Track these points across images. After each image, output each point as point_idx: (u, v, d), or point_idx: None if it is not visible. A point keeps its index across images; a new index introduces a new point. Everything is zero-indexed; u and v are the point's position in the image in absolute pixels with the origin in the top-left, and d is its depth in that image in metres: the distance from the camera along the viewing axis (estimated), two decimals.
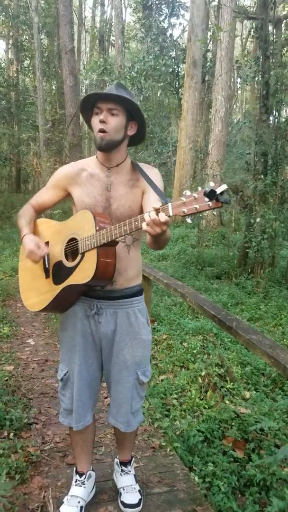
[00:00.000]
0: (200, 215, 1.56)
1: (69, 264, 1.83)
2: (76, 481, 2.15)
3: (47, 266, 1.92)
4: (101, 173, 1.91)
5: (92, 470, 2.24)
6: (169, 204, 1.48)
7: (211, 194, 1.38)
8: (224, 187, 1.38)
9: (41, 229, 2.03)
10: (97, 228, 1.72)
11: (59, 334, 2.08)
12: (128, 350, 1.95)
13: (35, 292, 1.97)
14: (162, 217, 1.48)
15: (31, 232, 1.97)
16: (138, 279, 2.02)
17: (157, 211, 1.50)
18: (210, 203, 1.40)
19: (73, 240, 1.84)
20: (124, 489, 2.15)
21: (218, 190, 1.38)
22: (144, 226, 1.52)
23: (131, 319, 1.95)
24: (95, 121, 1.81)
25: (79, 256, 1.78)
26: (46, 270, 1.93)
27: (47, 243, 1.94)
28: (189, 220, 1.47)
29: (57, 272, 1.88)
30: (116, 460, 2.27)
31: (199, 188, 1.44)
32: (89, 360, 1.98)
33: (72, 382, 1.98)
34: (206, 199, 1.40)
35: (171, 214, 1.48)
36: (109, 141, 1.80)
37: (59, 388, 2.07)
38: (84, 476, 2.15)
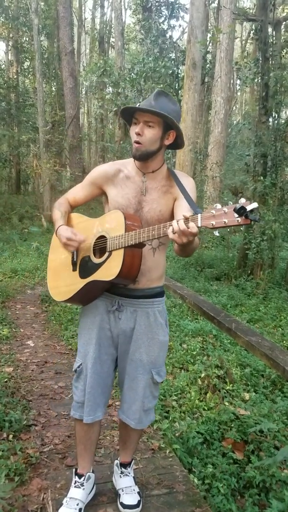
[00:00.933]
0: (228, 229, 1.61)
1: (96, 260, 1.89)
2: (75, 482, 2.15)
3: (75, 260, 1.99)
4: (136, 176, 1.96)
5: (92, 471, 2.24)
6: (199, 215, 1.51)
7: (241, 211, 1.41)
8: (254, 205, 1.41)
9: (74, 223, 2.10)
10: (127, 229, 1.78)
11: (79, 327, 2.11)
12: (145, 349, 1.99)
13: (62, 283, 2.04)
14: (193, 228, 1.51)
15: (65, 222, 2.02)
16: (161, 281, 2.07)
17: (186, 220, 1.53)
18: (239, 219, 1.42)
19: (102, 238, 1.89)
20: (123, 490, 2.15)
21: (249, 208, 1.41)
22: (171, 233, 1.56)
23: (150, 319, 2.00)
24: (132, 131, 1.86)
25: (107, 254, 1.84)
26: (74, 263, 2.00)
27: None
28: (216, 233, 1.50)
29: (84, 266, 1.95)
30: (116, 461, 2.28)
31: (230, 203, 1.47)
32: (104, 356, 2.01)
33: (85, 375, 2.02)
34: (236, 215, 1.42)
35: (199, 225, 1.51)
36: (143, 152, 1.85)
37: (73, 380, 2.11)
38: (83, 477, 2.15)
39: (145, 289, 1.98)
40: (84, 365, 2.02)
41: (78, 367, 2.04)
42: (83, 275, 1.94)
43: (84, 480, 2.15)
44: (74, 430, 2.26)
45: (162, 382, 2.12)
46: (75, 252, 1.99)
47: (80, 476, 2.15)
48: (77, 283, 1.94)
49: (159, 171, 1.96)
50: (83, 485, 2.14)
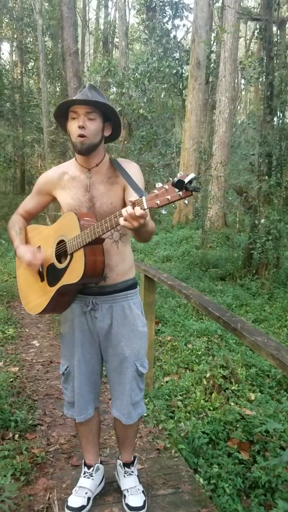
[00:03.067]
0: (173, 205, 1.61)
1: (60, 265, 1.90)
2: (84, 473, 2.21)
3: (40, 270, 1.99)
4: (81, 174, 1.96)
5: (101, 463, 2.28)
6: (143, 197, 1.52)
7: (179, 184, 1.42)
8: (191, 176, 1.42)
9: (31, 236, 2.10)
10: (82, 228, 1.77)
11: (59, 332, 2.15)
12: (126, 342, 2.00)
13: (33, 296, 2.04)
14: (137, 211, 1.52)
15: (22, 242, 2.03)
16: (131, 273, 2.06)
17: (133, 205, 1.54)
18: (180, 193, 1.44)
19: (61, 242, 1.90)
20: (128, 491, 2.15)
21: (186, 180, 1.42)
22: (122, 221, 1.57)
23: (126, 311, 2.01)
24: (73, 125, 1.84)
25: (69, 257, 1.84)
26: (40, 274, 2.00)
27: (39, 248, 2.01)
28: (163, 211, 1.53)
29: (51, 275, 1.95)
30: (119, 462, 2.27)
31: (170, 179, 1.47)
32: (88, 356, 2.04)
33: (72, 377, 2.06)
34: (176, 190, 1.44)
35: (146, 207, 1.52)
36: (89, 145, 1.85)
37: (62, 382, 2.15)
38: (92, 468, 2.20)
39: (116, 284, 1.98)
40: (71, 367, 2.06)
41: (65, 369, 2.08)
42: (51, 283, 1.93)
43: (92, 470, 2.20)
44: (75, 428, 2.30)
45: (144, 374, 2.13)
46: (34, 253, 1.98)
47: (89, 467, 2.21)
48: (48, 292, 1.94)
49: (102, 163, 1.95)
50: (92, 476, 2.19)
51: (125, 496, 2.15)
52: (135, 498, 2.11)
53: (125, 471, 2.22)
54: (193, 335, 4.94)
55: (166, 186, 1.47)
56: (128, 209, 1.54)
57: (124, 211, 1.55)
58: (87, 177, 1.94)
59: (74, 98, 1.82)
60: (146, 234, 1.72)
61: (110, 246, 1.93)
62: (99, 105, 1.83)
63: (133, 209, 1.53)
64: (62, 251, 1.90)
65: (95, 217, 1.85)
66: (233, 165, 13.07)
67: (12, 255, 10.27)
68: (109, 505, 2.17)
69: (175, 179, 1.43)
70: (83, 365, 2.03)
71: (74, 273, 1.81)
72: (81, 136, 1.81)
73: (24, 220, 2.15)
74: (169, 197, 1.46)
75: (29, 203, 2.13)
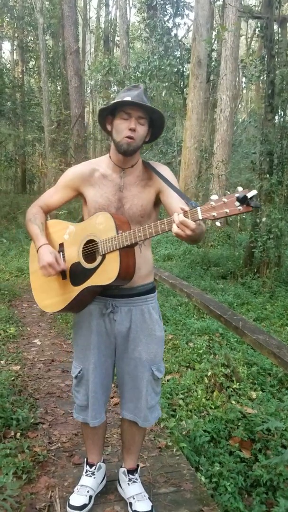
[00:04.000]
0: (230, 218, 1.63)
1: (88, 265, 1.85)
2: (86, 471, 2.20)
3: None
4: (113, 173, 1.93)
5: (103, 461, 2.27)
6: (198, 208, 1.51)
7: (243, 199, 1.42)
8: (254, 192, 1.42)
9: (52, 231, 2.03)
10: (118, 230, 1.74)
11: (73, 333, 2.10)
12: (143, 347, 1.98)
13: (51, 293, 1.99)
14: (191, 224, 1.51)
15: (46, 240, 1.96)
16: (151, 276, 2.05)
17: (185, 213, 1.53)
18: (240, 207, 1.43)
19: (91, 242, 1.85)
20: (134, 498, 2.11)
21: (249, 195, 1.41)
22: (175, 228, 1.55)
23: (145, 316, 1.98)
24: (123, 125, 1.81)
25: (99, 258, 1.80)
26: (62, 272, 1.94)
27: (61, 245, 1.96)
28: (218, 224, 1.52)
29: (75, 274, 1.90)
30: (123, 469, 2.22)
31: (228, 193, 1.47)
32: (103, 358, 2.01)
33: (86, 380, 2.02)
34: (237, 204, 1.43)
35: (200, 218, 1.51)
36: (134, 148, 1.84)
37: (73, 385, 2.10)
38: (94, 467, 2.20)
39: (138, 286, 1.96)
40: (85, 370, 2.02)
41: (79, 372, 2.04)
42: (75, 282, 1.89)
43: (95, 469, 2.19)
44: (80, 428, 2.28)
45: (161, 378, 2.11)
46: (57, 258, 1.92)
47: (91, 466, 2.20)
48: (71, 291, 1.90)
49: (137, 165, 1.94)
50: (94, 474, 2.18)
51: (131, 504, 2.10)
52: (142, 504, 2.07)
53: (129, 478, 2.17)
54: (194, 333, 4.94)
55: (225, 199, 1.46)
56: (181, 217, 1.53)
57: (176, 219, 1.54)
58: (120, 177, 1.92)
59: (128, 98, 1.77)
60: (199, 238, 1.68)
61: (135, 248, 1.88)
62: (155, 113, 1.83)
63: (187, 218, 1.52)
64: (91, 251, 1.86)
65: (127, 220, 1.83)
66: (234, 163, 13.06)
67: (13, 253, 10.28)
68: (110, 503, 2.17)
69: (239, 194, 1.43)
70: (98, 368, 2.00)
71: (106, 275, 1.78)
72: (130, 138, 1.80)
73: (44, 213, 2.06)
74: (227, 210, 1.46)
75: (52, 196, 2.05)
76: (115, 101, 1.80)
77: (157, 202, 1.96)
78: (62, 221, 2.06)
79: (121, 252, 1.74)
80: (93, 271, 1.83)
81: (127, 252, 1.77)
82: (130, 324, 1.97)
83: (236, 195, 1.44)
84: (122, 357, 2.01)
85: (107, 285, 1.79)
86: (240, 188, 1.45)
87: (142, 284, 1.98)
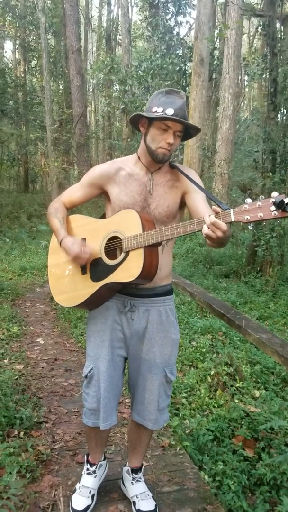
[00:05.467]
0: (264, 223, 1.65)
1: (110, 261, 1.84)
2: (87, 469, 2.19)
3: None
4: (141, 172, 1.93)
5: (104, 459, 2.26)
6: (231, 210, 1.51)
7: (280, 204, 1.41)
8: None
9: (74, 226, 2.04)
10: (144, 228, 1.74)
11: (87, 330, 2.07)
12: (158, 348, 1.97)
13: (69, 288, 1.98)
14: (223, 225, 1.51)
15: (67, 233, 1.97)
16: (170, 278, 2.05)
17: (217, 215, 1.53)
18: (276, 212, 1.43)
19: (114, 239, 1.85)
20: (137, 497, 2.11)
21: (286, 200, 1.40)
22: (205, 229, 1.55)
23: (162, 317, 1.98)
24: (161, 136, 1.81)
25: (123, 255, 1.80)
26: (83, 267, 1.94)
27: (83, 240, 1.95)
28: (250, 227, 1.52)
29: (96, 269, 1.89)
30: (127, 468, 2.22)
31: (262, 197, 1.47)
32: (117, 358, 1.99)
33: (97, 380, 1.97)
34: (273, 208, 1.43)
35: (232, 220, 1.51)
36: (169, 157, 1.86)
37: (83, 387, 2.07)
38: (95, 466, 2.19)
39: (156, 287, 1.96)
40: (96, 369, 1.97)
41: (89, 371, 1.99)
42: (96, 278, 1.88)
43: (96, 468, 2.19)
44: (84, 427, 2.27)
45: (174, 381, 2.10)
46: (81, 247, 1.92)
47: (92, 465, 2.19)
48: (90, 286, 1.89)
49: (164, 166, 1.95)
50: (95, 473, 2.18)
51: (134, 503, 2.10)
52: (146, 503, 2.07)
53: (133, 477, 2.17)
54: (197, 332, 4.94)
55: (260, 203, 1.46)
56: (212, 218, 1.53)
57: (207, 220, 1.54)
58: (149, 178, 1.92)
59: (171, 110, 1.75)
60: (226, 241, 1.68)
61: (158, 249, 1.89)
62: (193, 129, 1.86)
63: (219, 219, 1.52)
64: (113, 248, 1.86)
65: (152, 219, 1.84)
66: (236, 162, 13.03)
67: (16, 253, 10.30)
68: (114, 502, 2.17)
69: (276, 199, 1.42)
70: (112, 367, 1.96)
71: (128, 272, 1.77)
72: (167, 150, 1.82)
73: (66, 209, 2.07)
74: (261, 214, 1.46)
75: (76, 193, 2.06)
76: (161, 114, 1.76)
77: (182, 204, 1.97)
78: (84, 216, 2.07)
79: (145, 251, 1.74)
80: (115, 267, 1.82)
81: (151, 251, 1.76)
82: (147, 324, 1.96)
83: (272, 200, 1.43)
84: (136, 357, 2.00)
85: (128, 282, 1.78)
86: (275, 194, 1.43)
87: (162, 285, 1.98)
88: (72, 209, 2.10)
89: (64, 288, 2.01)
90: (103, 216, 2.06)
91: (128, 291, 1.93)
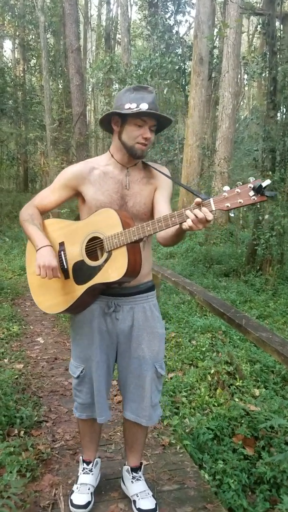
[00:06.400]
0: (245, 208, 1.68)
1: (93, 263, 1.83)
2: (83, 469, 2.21)
3: (65, 267, 1.91)
4: (116, 171, 1.93)
5: (98, 457, 2.29)
6: (211, 199, 1.53)
7: (258, 189, 1.43)
8: (268, 181, 1.44)
9: (50, 230, 2.00)
10: (124, 226, 1.74)
11: (72, 333, 2.08)
12: (146, 344, 1.98)
13: (53, 294, 1.95)
14: (209, 215, 1.53)
15: (47, 241, 1.91)
16: (150, 274, 2.07)
17: (198, 206, 1.54)
18: (255, 197, 1.45)
19: (94, 239, 1.84)
20: (138, 496, 2.11)
21: (264, 184, 1.43)
22: (189, 222, 1.56)
23: (147, 313, 1.99)
24: (137, 132, 1.82)
25: (105, 255, 1.78)
26: (65, 271, 1.91)
27: (61, 244, 1.94)
28: (231, 214, 1.55)
29: (79, 272, 1.88)
30: (127, 467, 2.22)
31: (240, 183, 1.49)
32: (105, 357, 2.00)
33: (89, 379, 2.01)
34: (251, 193, 1.45)
35: (213, 209, 1.53)
36: (146, 152, 1.88)
37: (74, 385, 2.09)
38: (91, 464, 2.21)
39: (139, 285, 1.97)
40: (87, 369, 2.01)
41: (81, 372, 2.02)
42: (80, 281, 1.86)
43: (92, 466, 2.21)
44: (77, 426, 2.29)
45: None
46: (64, 260, 1.90)
47: (88, 463, 2.21)
48: (75, 290, 1.87)
49: (139, 162, 1.96)
50: (91, 471, 2.20)
51: (135, 501, 2.10)
52: (146, 502, 2.08)
53: (133, 476, 2.18)
54: (197, 331, 4.94)
55: (238, 190, 1.47)
56: (196, 211, 1.54)
57: (189, 213, 1.55)
58: (126, 175, 1.93)
59: (145, 105, 1.77)
60: (184, 236, 1.71)
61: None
62: (166, 122, 1.89)
63: (201, 210, 1.53)
64: (93, 249, 1.85)
65: (131, 216, 1.84)
66: (236, 160, 13.02)
67: (16, 252, 10.28)
68: (114, 501, 2.17)
69: (254, 184, 1.44)
70: (101, 367, 1.99)
71: (113, 271, 1.76)
72: (144, 145, 1.84)
73: (39, 213, 2.02)
74: (241, 200, 1.47)
75: (48, 196, 2.01)
76: (137, 109, 1.77)
77: None
78: (60, 220, 2.03)
79: (128, 248, 1.73)
80: (99, 268, 1.81)
81: (134, 248, 1.76)
82: (133, 322, 1.97)
83: (250, 185, 1.45)
84: (125, 356, 2.01)
85: (114, 282, 1.77)
86: (252, 178, 1.45)
87: (144, 282, 1.99)
88: (43, 214, 2.05)
89: (48, 296, 1.97)
90: (77, 218, 2.04)
91: (112, 291, 1.93)
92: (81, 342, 2.02)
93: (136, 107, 1.77)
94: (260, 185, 1.42)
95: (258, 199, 1.44)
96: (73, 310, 1.97)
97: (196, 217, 1.54)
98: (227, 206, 1.49)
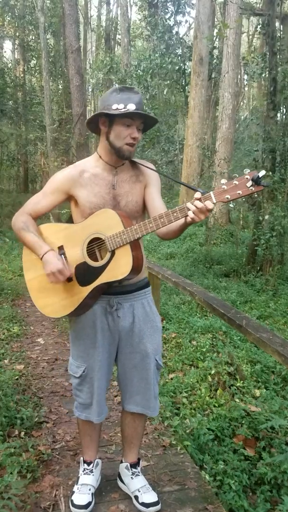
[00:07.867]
0: (243, 199, 1.75)
1: (97, 264, 1.85)
2: (84, 470, 2.21)
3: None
4: (104, 172, 1.95)
5: (99, 458, 2.29)
6: (211, 192, 1.61)
7: (256, 179, 1.53)
8: (263, 172, 1.54)
9: (47, 235, 1.98)
10: (124, 224, 1.77)
11: (73, 333, 2.08)
12: (148, 339, 2.02)
13: (56, 298, 1.95)
14: (209, 204, 1.61)
15: (49, 247, 1.92)
16: (146, 271, 2.13)
17: (200, 199, 1.62)
18: (253, 188, 1.54)
19: (94, 241, 1.86)
20: (139, 491, 2.12)
21: (261, 175, 1.53)
22: (191, 214, 1.63)
23: (146, 308, 2.04)
24: (125, 132, 1.84)
25: (108, 254, 1.81)
26: None
27: (60, 247, 1.94)
28: (231, 205, 1.66)
29: (82, 274, 1.89)
30: (125, 464, 2.22)
31: (236, 175, 1.57)
32: (107, 355, 2.03)
33: (91, 378, 2.03)
34: (249, 184, 1.54)
35: (214, 201, 1.61)
36: (133, 153, 1.91)
37: (75, 385, 2.10)
38: (92, 464, 2.21)
39: (138, 282, 2.02)
40: (89, 368, 2.02)
41: (83, 372, 2.03)
42: (84, 282, 1.88)
43: (92, 466, 2.21)
44: (77, 426, 2.29)
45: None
46: (64, 263, 1.89)
47: (88, 464, 2.21)
48: (80, 292, 1.89)
49: (126, 162, 1.98)
50: (92, 472, 2.20)
51: (137, 497, 2.11)
52: (149, 496, 2.10)
53: (132, 472, 2.19)
54: (197, 332, 4.94)
55: (236, 182, 1.56)
56: (198, 204, 1.61)
57: (191, 206, 1.63)
58: (113, 175, 1.94)
59: (132, 105, 1.78)
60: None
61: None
62: (153, 122, 1.93)
63: (203, 203, 1.61)
64: (93, 250, 1.87)
65: (127, 215, 1.87)
66: (236, 161, 13.03)
67: (16, 253, 10.28)
68: (115, 502, 2.17)
69: (253, 175, 1.53)
70: (104, 366, 2.02)
71: (118, 270, 1.80)
72: (132, 145, 1.86)
73: (33, 220, 2.01)
74: (240, 191, 1.56)
75: (40, 202, 1.99)
76: (125, 110, 1.78)
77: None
78: (55, 224, 2.05)
79: (131, 246, 1.77)
80: (103, 268, 1.83)
81: (135, 246, 1.80)
82: (133, 319, 2.01)
83: (247, 176, 1.53)
84: (126, 351, 2.04)
85: (121, 279, 1.81)
86: (247, 170, 1.54)
87: (142, 278, 2.05)
88: (36, 220, 2.04)
89: (50, 300, 1.97)
90: (69, 221, 2.04)
91: (112, 290, 1.96)
92: (83, 342, 2.03)
93: (123, 108, 1.80)
94: (258, 176, 1.52)
95: (256, 189, 1.53)
96: (77, 313, 1.97)
97: (197, 208, 1.61)
98: (227, 198, 1.58)
